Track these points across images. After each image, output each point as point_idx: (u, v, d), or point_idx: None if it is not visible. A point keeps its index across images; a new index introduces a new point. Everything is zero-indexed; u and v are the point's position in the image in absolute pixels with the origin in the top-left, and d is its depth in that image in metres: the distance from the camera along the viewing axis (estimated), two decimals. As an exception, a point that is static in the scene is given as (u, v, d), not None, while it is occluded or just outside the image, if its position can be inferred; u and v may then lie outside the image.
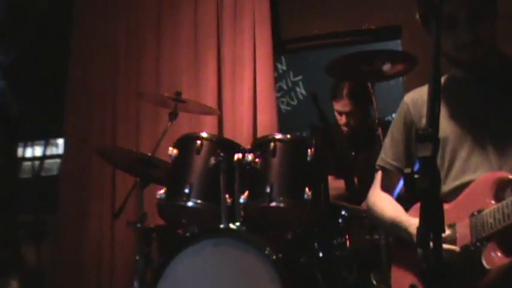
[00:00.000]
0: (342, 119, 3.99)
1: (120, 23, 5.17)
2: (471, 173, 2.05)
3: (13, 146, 5.31)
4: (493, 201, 1.92)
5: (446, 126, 2.11)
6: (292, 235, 3.61)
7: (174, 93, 3.93)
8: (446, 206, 1.99)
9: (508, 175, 1.94)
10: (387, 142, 2.35)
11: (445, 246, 1.87)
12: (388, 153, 2.32)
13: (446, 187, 2.11)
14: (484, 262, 1.85)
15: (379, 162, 2.37)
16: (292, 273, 3.04)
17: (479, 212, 1.93)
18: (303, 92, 5.39)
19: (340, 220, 3.44)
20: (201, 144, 3.42)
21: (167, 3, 5.12)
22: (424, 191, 1.23)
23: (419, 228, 1.24)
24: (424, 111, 2.15)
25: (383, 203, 2.30)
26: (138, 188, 3.71)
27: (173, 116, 3.93)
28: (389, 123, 4.28)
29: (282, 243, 3.54)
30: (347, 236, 3.41)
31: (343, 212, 3.46)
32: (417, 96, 2.28)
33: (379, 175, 2.38)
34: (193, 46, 4.97)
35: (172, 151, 3.46)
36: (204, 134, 3.49)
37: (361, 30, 4.90)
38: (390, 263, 3.05)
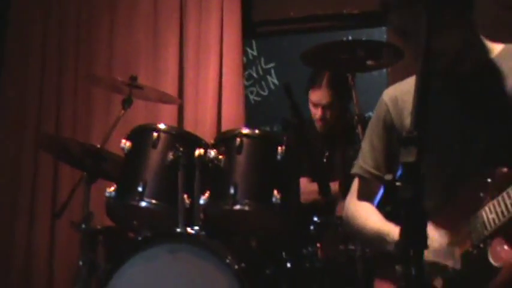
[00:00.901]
0: (318, 112, 4.00)
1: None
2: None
3: None
4: (489, 198, 1.95)
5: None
6: (257, 242, 3.62)
7: (128, 78, 3.92)
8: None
9: (504, 169, 1.97)
10: (365, 147, 2.35)
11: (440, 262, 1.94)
12: (366, 160, 2.33)
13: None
14: (491, 260, 1.89)
15: (356, 170, 2.37)
16: (256, 286, 3.05)
17: (474, 213, 1.97)
18: (275, 81, 5.39)
19: (311, 227, 3.46)
20: (158, 136, 3.40)
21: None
22: (406, 201, 1.24)
23: (398, 243, 1.25)
24: (406, 111, 2.20)
25: (365, 213, 2.31)
26: (84, 183, 3.67)
27: (127, 103, 3.92)
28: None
29: (245, 251, 3.54)
30: (319, 246, 3.42)
31: (315, 219, 3.48)
32: (397, 94, 2.28)
33: (355, 184, 2.38)
34: (152, 25, 4.95)
35: (125, 143, 3.44)
36: (162, 126, 3.47)
37: (342, 14, 4.93)
38: (366, 277, 3.11)
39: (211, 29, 4.84)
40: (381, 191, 2.30)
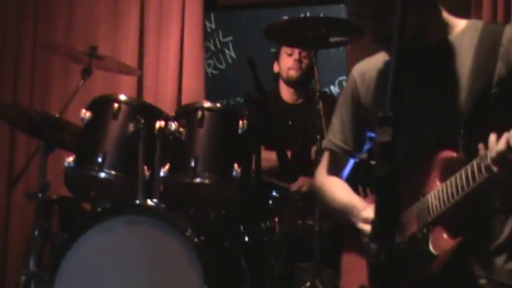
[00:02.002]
0: (294, 57, 4.11)
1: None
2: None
3: None
4: (438, 183, 1.94)
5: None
6: (216, 215, 3.63)
7: (88, 48, 3.86)
8: None
9: (452, 153, 1.95)
10: (334, 121, 2.36)
11: None
12: (336, 134, 2.34)
13: None
14: (431, 248, 1.89)
15: (325, 143, 2.39)
16: (215, 259, 3.05)
17: (424, 195, 1.97)
18: (233, 54, 5.40)
19: (270, 201, 3.47)
20: (119, 107, 3.36)
21: None
22: (381, 179, 1.24)
23: (373, 221, 1.26)
24: (372, 87, 2.22)
25: (334, 186, 2.32)
26: (41, 153, 3.62)
27: (86, 73, 3.87)
28: (330, 96, 4.41)
29: (204, 224, 3.55)
30: (277, 220, 3.44)
31: (273, 193, 3.50)
32: (365, 70, 2.29)
33: (325, 157, 2.40)
34: (113, -6, 4.87)
35: (85, 114, 3.39)
36: (123, 97, 3.44)
37: (304, -10, 4.93)
38: (322, 253, 3.14)
39: (173, -1, 4.78)
40: (350, 165, 2.32)
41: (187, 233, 2.95)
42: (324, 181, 2.37)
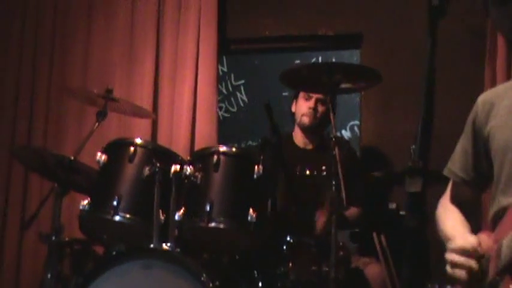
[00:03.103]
0: (310, 104, 4.11)
1: (46, 6, 5.06)
2: None
3: None
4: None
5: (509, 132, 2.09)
6: (229, 260, 3.62)
7: (104, 90, 3.89)
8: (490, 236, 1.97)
9: None
10: (457, 149, 2.32)
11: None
12: (455, 162, 2.30)
13: (495, 205, 2.09)
14: None
15: (445, 172, 2.34)
16: (229, 304, 3.05)
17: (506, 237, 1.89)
18: (245, 98, 5.42)
19: (284, 246, 3.46)
20: (135, 151, 3.39)
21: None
22: (410, 230, 1.24)
23: (403, 272, 1.26)
24: (491, 114, 2.16)
25: (446, 216, 2.27)
26: (55, 195, 3.62)
27: (101, 115, 3.87)
28: (345, 141, 4.42)
29: (218, 269, 3.53)
30: (291, 265, 3.42)
31: (288, 238, 3.49)
32: (487, 97, 2.24)
33: (449, 184, 2.35)
34: (129, 38, 4.91)
35: (101, 156, 3.42)
36: (139, 140, 3.47)
37: (316, 35, 4.95)
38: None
39: (188, 44, 4.81)
40: None
41: (203, 278, 2.95)
42: (440, 210, 2.32)
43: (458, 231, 2.14)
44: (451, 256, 1.97)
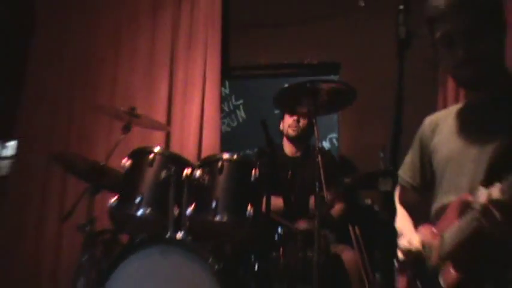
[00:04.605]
0: (293, 117, 4.16)
1: (80, 35, 5.10)
2: (452, 193, 2.00)
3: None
4: (456, 222, 1.85)
5: (452, 145, 2.07)
6: (231, 247, 3.62)
7: (128, 108, 3.91)
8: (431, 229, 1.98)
9: (468, 197, 1.82)
10: (406, 160, 2.32)
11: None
12: (406, 171, 2.30)
13: (437, 204, 2.08)
14: (441, 281, 1.82)
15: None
16: (232, 283, 3.05)
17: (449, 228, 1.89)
18: (243, 115, 5.42)
19: (276, 236, 3.47)
20: (154, 157, 3.41)
21: (126, 18, 5.08)
22: (382, 223, 1.26)
23: (377, 254, 1.28)
24: (436, 132, 2.18)
25: (398, 214, 2.26)
26: (89, 193, 3.64)
27: (126, 129, 3.90)
28: (327, 152, 4.44)
29: (222, 254, 3.53)
30: (281, 252, 3.43)
31: (279, 230, 3.50)
32: (434, 119, 2.25)
33: (397, 190, 2.34)
34: (149, 64, 4.94)
35: (126, 162, 3.44)
36: (157, 149, 3.48)
37: (303, 64, 4.99)
38: (321, 280, 3.12)
39: (196, 71, 4.84)
40: None
41: (209, 261, 2.96)
42: (397, 210, 2.30)
43: (406, 229, 2.16)
44: (400, 254, 2.00)
